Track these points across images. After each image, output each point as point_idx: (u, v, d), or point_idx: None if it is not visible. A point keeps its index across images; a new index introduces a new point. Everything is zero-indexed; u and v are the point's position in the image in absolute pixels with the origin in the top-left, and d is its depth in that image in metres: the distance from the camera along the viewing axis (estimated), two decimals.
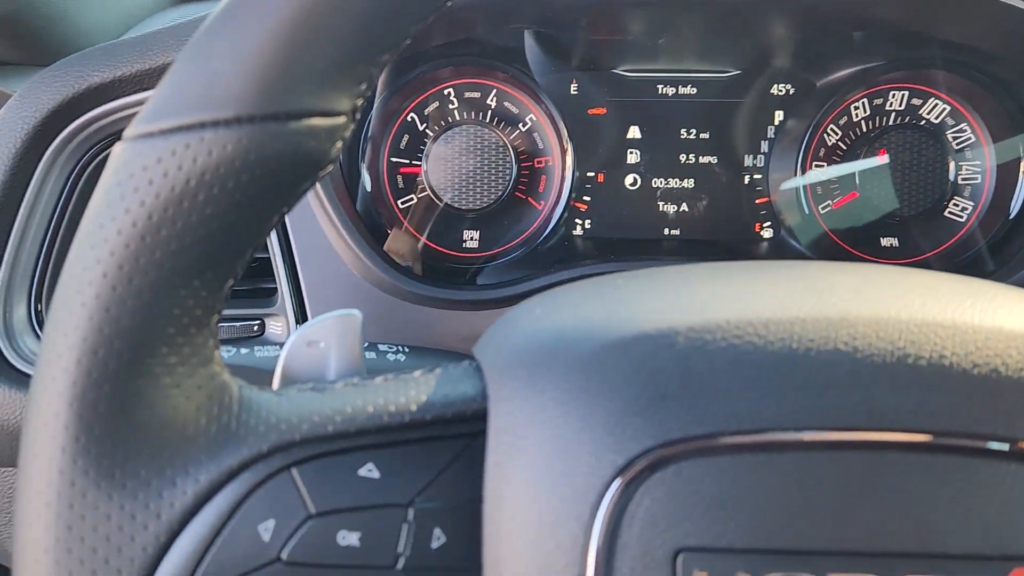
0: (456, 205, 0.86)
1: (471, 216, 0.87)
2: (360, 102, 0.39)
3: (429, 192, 0.86)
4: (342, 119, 0.38)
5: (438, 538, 0.38)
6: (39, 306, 0.77)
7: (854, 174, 0.83)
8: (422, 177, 0.86)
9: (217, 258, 0.37)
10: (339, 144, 0.39)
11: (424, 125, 0.87)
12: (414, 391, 0.40)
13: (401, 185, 0.87)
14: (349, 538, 0.38)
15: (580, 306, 0.41)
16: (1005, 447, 0.34)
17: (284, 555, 0.38)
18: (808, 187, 0.85)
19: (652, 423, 0.35)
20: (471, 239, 0.88)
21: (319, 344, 0.46)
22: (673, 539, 0.35)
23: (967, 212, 0.84)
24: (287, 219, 0.80)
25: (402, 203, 0.87)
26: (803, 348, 0.36)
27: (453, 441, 0.40)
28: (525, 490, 0.36)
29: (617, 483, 0.35)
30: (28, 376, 0.75)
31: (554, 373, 0.37)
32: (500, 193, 0.85)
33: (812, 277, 0.41)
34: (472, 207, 0.85)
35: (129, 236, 0.36)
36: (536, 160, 0.87)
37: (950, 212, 0.84)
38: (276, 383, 0.44)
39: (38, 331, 0.77)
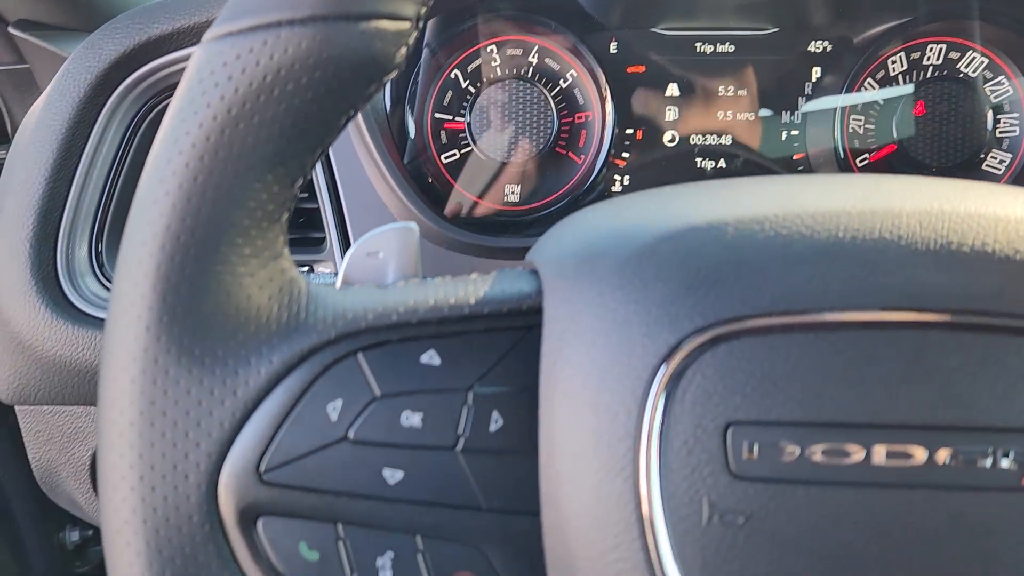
0: (498, 159, 0.88)
1: (513, 170, 0.89)
2: (424, 10, 0.41)
3: (472, 147, 0.88)
4: (407, 24, 0.40)
5: (496, 421, 0.40)
6: (99, 247, 0.80)
7: (891, 128, 0.84)
8: (465, 132, 0.89)
9: (289, 153, 0.39)
10: (403, 50, 0.41)
11: (467, 82, 0.89)
12: (472, 288, 0.43)
13: (444, 140, 0.90)
14: (412, 419, 0.40)
15: (631, 208, 0.43)
16: None
17: (351, 434, 0.40)
18: (846, 141, 0.87)
19: (705, 304, 0.37)
20: (512, 193, 0.90)
21: (378, 254, 0.48)
22: (723, 413, 0.36)
23: (1004, 165, 0.85)
24: (336, 170, 0.83)
25: (446, 158, 0.90)
26: (849, 236, 0.38)
27: (510, 333, 0.42)
28: (580, 371, 0.38)
29: (670, 361, 0.37)
30: (89, 316, 0.78)
31: (608, 264, 0.39)
32: (541, 147, 0.87)
33: (857, 182, 0.42)
34: (514, 161, 0.88)
35: (210, 129, 0.38)
36: (576, 115, 0.89)
37: (988, 165, 0.85)
38: (338, 287, 0.46)
39: (98, 273, 0.80)
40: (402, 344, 0.41)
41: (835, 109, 0.87)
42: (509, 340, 0.42)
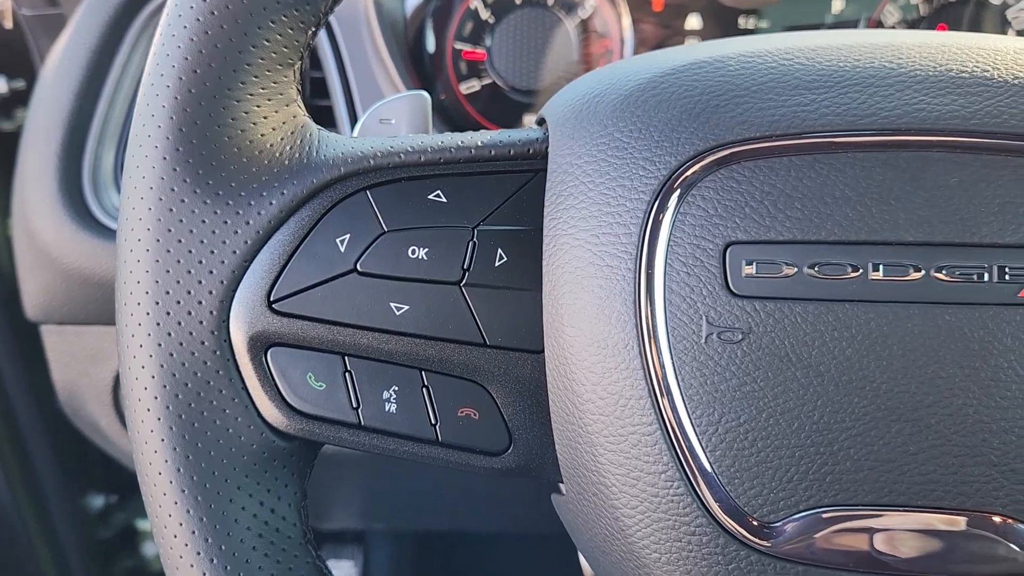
0: (519, 87, 0.88)
1: (533, 99, 0.90)
2: None
3: (492, 76, 0.89)
4: None
5: (500, 258, 0.41)
6: (124, 158, 0.82)
7: None
8: (485, 63, 0.89)
9: None
10: None
11: (488, 13, 0.90)
12: (480, 136, 0.43)
13: (465, 71, 0.90)
14: (418, 253, 0.41)
15: (636, 60, 0.43)
16: None
17: (358, 266, 0.41)
18: None
19: (705, 128, 0.37)
20: (532, 122, 0.90)
21: (391, 121, 0.49)
22: (723, 234, 0.37)
23: None
24: (353, 88, 0.84)
25: (465, 88, 0.90)
26: (850, 65, 0.38)
27: (518, 176, 0.42)
28: (583, 200, 0.39)
29: (670, 184, 0.37)
30: (111, 231, 0.80)
31: (610, 99, 0.40)
32: (562, 75, 0.88)
33: (862, 31, 0.43)
34: (534, 88, 0.88)
35: None
36: (597, 44, 0.90)
37: None
38: None
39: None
40: (410, 182, 0.42)
41: None
42: (516, 182, 0.42)
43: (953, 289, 0.36)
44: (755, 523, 0.36)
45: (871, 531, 0.36)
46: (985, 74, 0.37)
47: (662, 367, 0.37)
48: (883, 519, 0.36)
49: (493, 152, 0.42)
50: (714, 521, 0.36)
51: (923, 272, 0.36)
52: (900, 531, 0.36)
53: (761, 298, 0.36)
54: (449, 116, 0.91)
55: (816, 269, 0.36)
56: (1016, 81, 0.37)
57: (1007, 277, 0.35)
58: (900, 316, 0.36)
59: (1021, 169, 0.36)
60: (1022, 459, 0.35)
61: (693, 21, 0.91)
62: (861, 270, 0.36)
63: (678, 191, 0.37)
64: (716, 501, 0.36)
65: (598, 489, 0.39)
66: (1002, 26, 0.83)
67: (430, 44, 0.90)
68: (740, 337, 0.36)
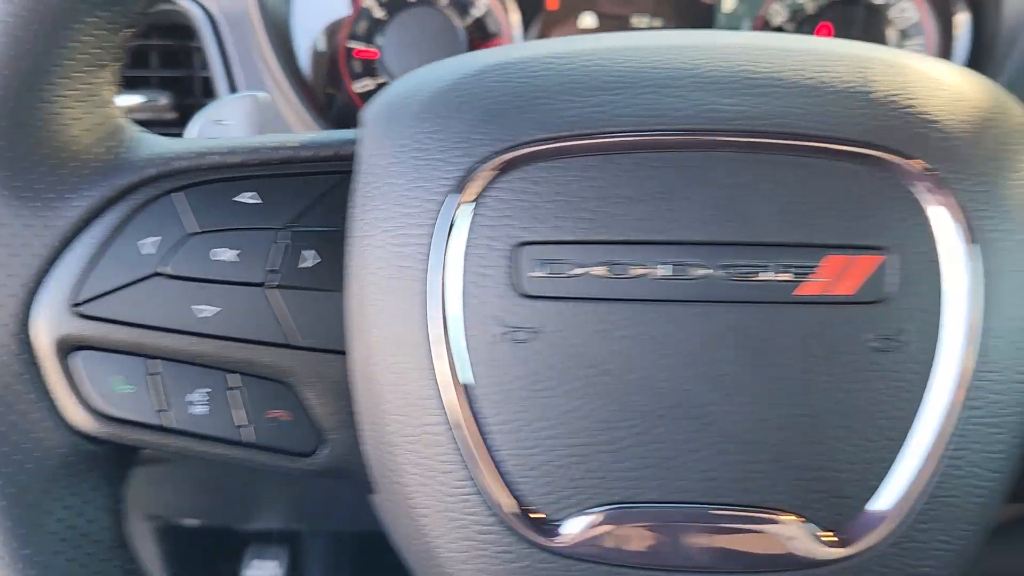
0: None
1: None
2: None
3: (385, 75, 0.89)
4: None
5: (309, 259, 0.41)
6: None
7: None
8: (378, 62, 0.89)
9: None
10: None
11: (382, 11, 0.89)
12: (294, 137, 0.43)
13: (359, 70, 0.90)
14: (225, 255, 0.41)
15: (450, 63, 0.43)
16: (825, 144, 0.37)
17: (164, 269, 0.40)
18: None
19: (502, 129, 0.38)
20: None
21: (225, 122, 0.49)
22: (516, 234, 0.37)
23: None
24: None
25: (359, 87, 0.90)
26: (648, 67, 0.39)
27: (330, 176, 0.42)
28: (382, 202, 0.39)
29: (463, 186, 0.37)
30: None
31: (414, 102, 0.40)
32: None
33: (666, 32, 0.43)
34: None
35: None
36: (488, 44, 0.90)
37: None
38: None
39: None
40: (219, 184, 0.42)
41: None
42: (328, 182, 0.42)
43: (734, 288, 0.36)
44: (542, 522, 0.37)
45: (655, 528, 0.36)
46: (774, 75, 0.38)
47: (453, 367, 0.37)
48: (666, 516, 0.36)
49: (307, 153, 0.42)
50: (503, 520, 0.37)
51: (706, 271, 0.36)
52: (683, 527, 0.36)
53: (551, 298, 0.37)
54: (343, 115, 0.90)
55: (604, 269, 0.37)
56: (803, 82, 0.38)
57: (785, 275, 0.36)
58: (683, 315, 0.36)
59: (802, 169, 0.36)
60: (801, 454, 0.36)
61: (588, 20, 0.91)
62: (647, 269, 0.36)
63: (473, 192, 0.37)
64: (505, 500, 0.37)
65: (398, 488, 0.39)
66: (885, 27, 0.84)
67: (321, 43, 0.90)
68: (530, 337, 0.37)
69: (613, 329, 0.36)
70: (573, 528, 0.37)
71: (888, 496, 0.36)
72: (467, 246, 0.37)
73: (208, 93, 0.85)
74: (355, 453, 0.42)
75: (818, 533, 0.36)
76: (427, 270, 0.37)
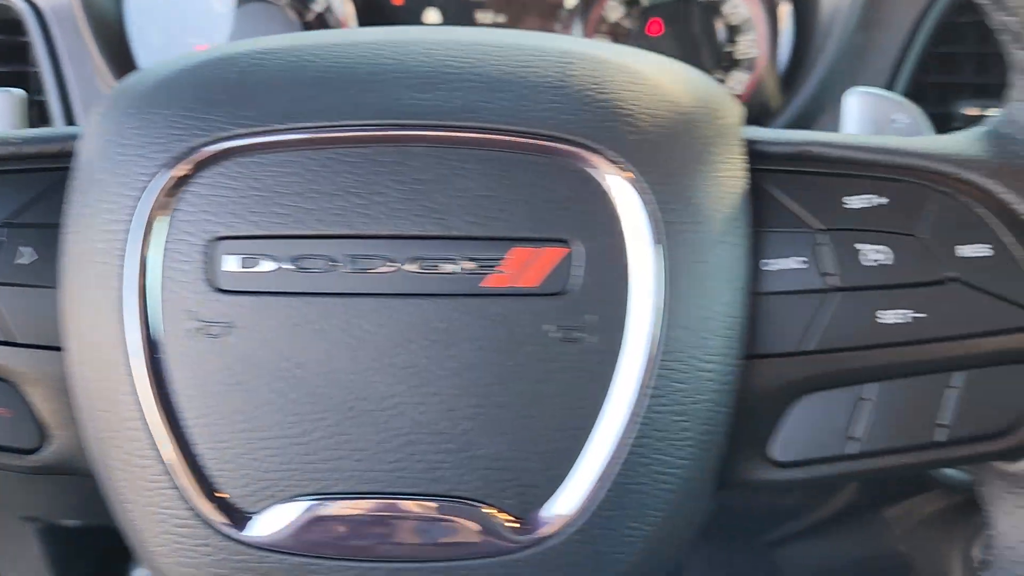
0: None
1: None
2: None
3: None
4: None
5: (27, 256, 0.41)
6: None
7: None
8: None
9: None
10: None
11: (222, 5, 0.89)
12: (19, 132, 0.43)
13: None
14: None
15: (175, 58, 0.43)
16: (516, 139, 0.37)
17: None
18: None
19: (203, 124, 0.38)
20: None
21: None
22: (212, 229, 0.37)
23: (743, 85, 0.87)
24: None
25: None
26: (352, 63, 0.39)
27: (52, 172, 0.42)
28: (91, 196, 0.39)
29: (164, 175, 0.37)
30: None
31: (132, 94, 0.40)
32: None
33: (391, 29, 0.43)
34: None
35: None
36: None
37: (728, 87, 0.88)
38: None
39: None
40: None
41: (582, 31, 0.88)
42: (52, 178, 0.42)
43: (423, 281, 0.37)
44: (238, 514, 0.37)
45: (346, 520, 0.37)
46: (473, 70, 0.38)
47: (149, 363, 0.37)
48: (358, 507, 0.37)
49: (32, 149, 0.42)
50: (199, 514, 0.37)
51: (395, 265, 0.37)
52: (373, 519, 0.37)
53: (244, 293, 0.37)
54: None
55: (297, 264, 0.37)
56: (501, 76, 0.38)
57: (473, 268, 0.37)
58: (373, 308, 0.37)
59: (493, 163, 0.37)
60: (489, 445, 0.36)
61: (432, 15, 0.91)
62: (338, 264, 0.37)
63: (171, 187, 0.37)
64: (202, 493, 0.37)
65: (108, 483, 0.39)
66: (715, 22, 0.86)
67: (158, 38, 0.89)
68: (224, 332, 0.37)
69: (305, 323, 0.37)
70: (267, 521, 0.37)
71: (576, 485, 0.37)
72: (167, 241, 0.37)
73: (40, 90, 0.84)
74: (79, 449, 0.41)
75: (506, 522, 0.37)
76: (124, 266, 0.37)
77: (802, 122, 0.82)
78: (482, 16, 0.91)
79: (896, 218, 0.39)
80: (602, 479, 0.37)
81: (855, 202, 0.39)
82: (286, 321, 0.37)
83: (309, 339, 0.37)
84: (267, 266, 0.37)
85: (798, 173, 0.40)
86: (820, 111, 0.81)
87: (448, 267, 0.37)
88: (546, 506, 0.37)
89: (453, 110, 0.37)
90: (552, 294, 0.37)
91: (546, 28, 0.90)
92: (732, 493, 0.41)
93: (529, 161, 0.37)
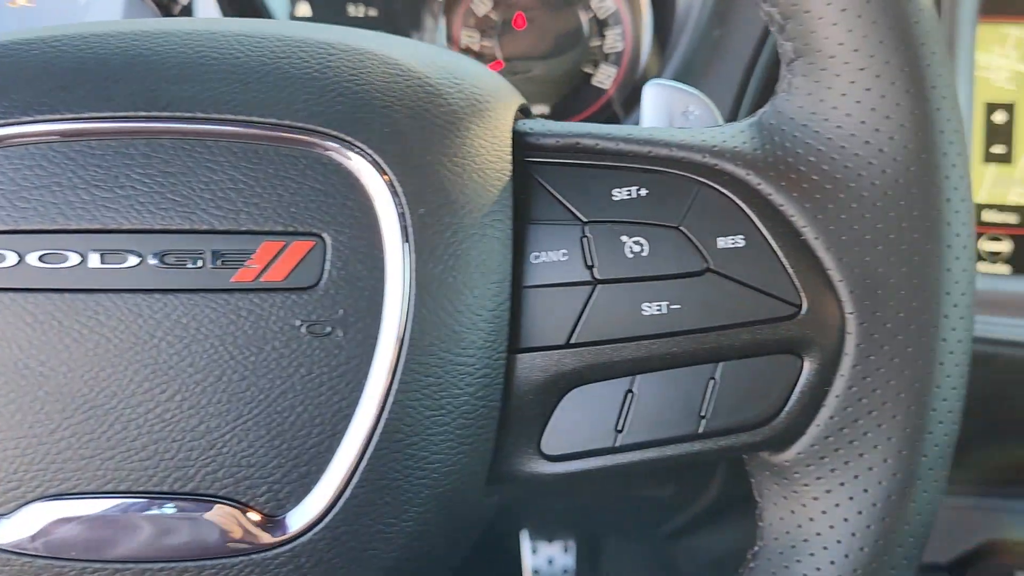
0: None
1: None
2: None
3: None
4: None
5: None
6: None
7: (494, 45, 0.86)
8: None
9: None
10: None
11: None
12: None
13: None
14: None
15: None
16: (267, 131, 0.37)
17: None
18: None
19: None
20: None
21: None
22: None
23: (610, 79, 0.88)
24: None
25: None
26: (107, 54, 0.38)
27: None
28: None
29: None
30: None
31: None
32: None
33: (159, 21, 0.42)
34: None
35: None
36: None
37: (596, 80, 0.88)
38: None
39: None
40: None
41: (449, 24, 0.88)
42: None
43: (169, 276, 0.36)
44: None
45: (93, 520, 0.36)
46: (228, 61, 0.38)
47: None
48: (104, 507, 0.36)
49: None
50: None
51: (140, 259, 0.36)
52: (119, 519, 0.36)
53: None
54: None
55: (40, 259, 0.36)
56: (255, 67, 0.38)
57: (221, 263, 0.36)
58: (119, 305, 0.36)
59: (245, 155, 0.36)
60: (241, 443, 0.36)
61: (303, 8, 0.90)
62: (82, 258, 0.36)
63: None
64: None
65: None
66: (580, 16, 0.86)
67: None
68: None
69: (49, 320, 0.36)
70: (15, 522, 0.36)
71: (328, 482, 0.36)
72: None
73: None
74: None
75: (256, 521, 0.36)
76: None
77: None
78: (353, 9, 0.90)
79: (658, 210, 0.39)
80: (353, 476, 0.36)
81: (621, 194, 0.39)
82: (29, 318, 0.36)
83: (54, 336, 0.36)
84: (10, 261, 0.36)
85: (569, 165, 0.40)
86: None
87: (195, 262, 0.36)
88: (299, 505, 0.36)
89: (205, 102, 0.37)
90: (303, 288, 0.36)
91: (416, 22, 0.90)
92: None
93: (282, 154, 0.37)
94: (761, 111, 0.41)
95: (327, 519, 0.36)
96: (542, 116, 0.89)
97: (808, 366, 0.38)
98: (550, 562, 1.21)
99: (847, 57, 0.38)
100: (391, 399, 0.36)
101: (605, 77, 0.88)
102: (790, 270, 0.38)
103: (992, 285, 0.76)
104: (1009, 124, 0.78)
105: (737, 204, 0.38)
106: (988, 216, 0.77)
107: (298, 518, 0.36)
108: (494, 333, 0.38)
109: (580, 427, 0.40)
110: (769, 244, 0.38)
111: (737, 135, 0.40)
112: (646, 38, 0.86)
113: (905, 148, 0.37)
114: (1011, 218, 0.77)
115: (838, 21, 0.38)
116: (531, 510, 1.19)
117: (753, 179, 0.39)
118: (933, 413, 0.37)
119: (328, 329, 0.36)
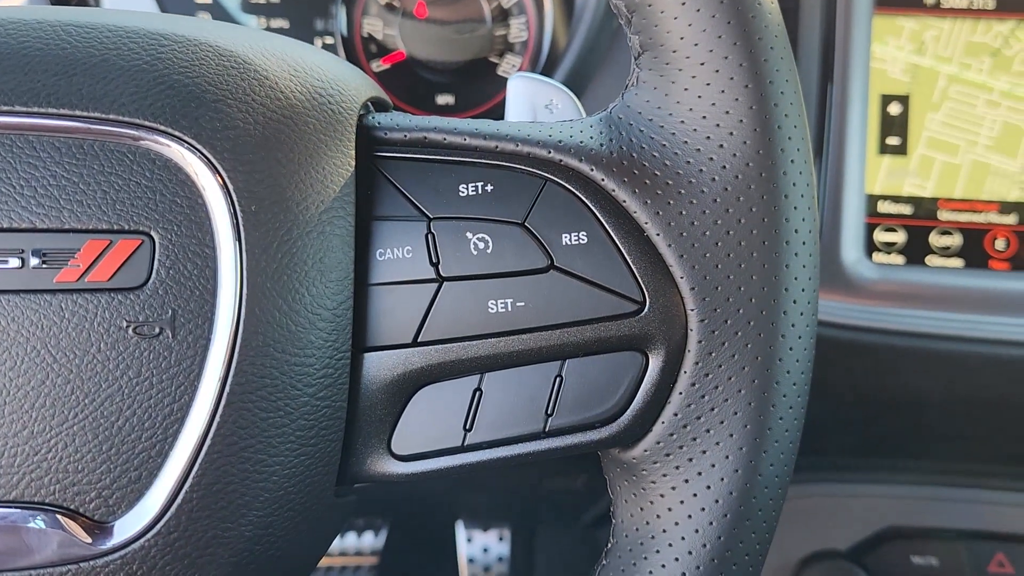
0: None
1: None
2: None
3: None
4: None
5: None
6: None
7: (396, 34, 0.85)
8: None
9: None
10: None
11: None
12: None
13: None
14: None
15: None
16: (93, 125, 0.35)
17: None
18: (360, 47, 0.87)
19: None
20: None
21: None
22: None
23: (515, 68, 0.87)
24: None
25: None
26: None
27: None
28: None
29: None
30: None
31: None
32: None
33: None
34: None
35: None
36: None
37: (502, 70, 0.87)
38: None
39: None
40: None
41: (349, 11, 0.86)
42: None
43: None
44: None
45: None
46: (52, 51, 0.36)
47: None
48: None
49: None
50: None
51: None
52: None
53: None
54: None
55: None
56: (83, 59, 0.36)
57: (43, 262, 0.35)
58: None
59: (70, 150, 0.35)
60: (68, 449, 0.35)
61: None
62: None
63: None
64: None
65: None
66: (483, 5, 0.85)
67: None
68: None
69: None
70: None
71: (161, 487, 0.35)
72: None
73: None
74: None
75: (85, 528, 0.35)
76: None
77: None
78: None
79: (503, 206, 0.38)
80: (186, 481, 0.35)
81: (467, 190, 0.39)
82: None
83: None
84: None
85: (416, 160, 0.40)
86: (580, 92, 0.82)
87: (15, 261, 0.35)
88: (131, 511, 0.35)
89: (26, 94, 0.35)
90: (130, 289, 0.35)
91: (320, 12, 0.88)
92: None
93: (108, 149, 0.35)
94: (612, 105, 0.41)
95: (160, 525, 0.35)
96: (447, 106, 0.88)
97: (652, 363, 0.38)
98: (485, 550, 1.21)
99: (688, 51, 0.37)
100: (224, 402, 0.35)
101: (510, 67, 0.87)
102: (633, 267, 0.37)
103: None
104: (904, 116, 0.78)
105: (581, 200, 0.38)
106: (883, 207, 0.78)
107: (130, 524, 0.35)
108: (335, 332, 0.37)
109: (429, 426, 0.39)
110: (612, 241, 0.38)
111: (586, 130, 0.40)
112: (548, 27, 0.85)
113: (743, 144, 0.37)
114: (905, 209, 0.78)
115: (679, 15, 0.37)
116: (465, 501, 1.19)
117: (597, 175, 0.38)
118: (773, 409, 0.37)
119: (157, 330, 0.35)
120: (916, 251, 0.78)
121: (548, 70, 0.85)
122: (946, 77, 0.78)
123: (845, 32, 0.78)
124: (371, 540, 1.23)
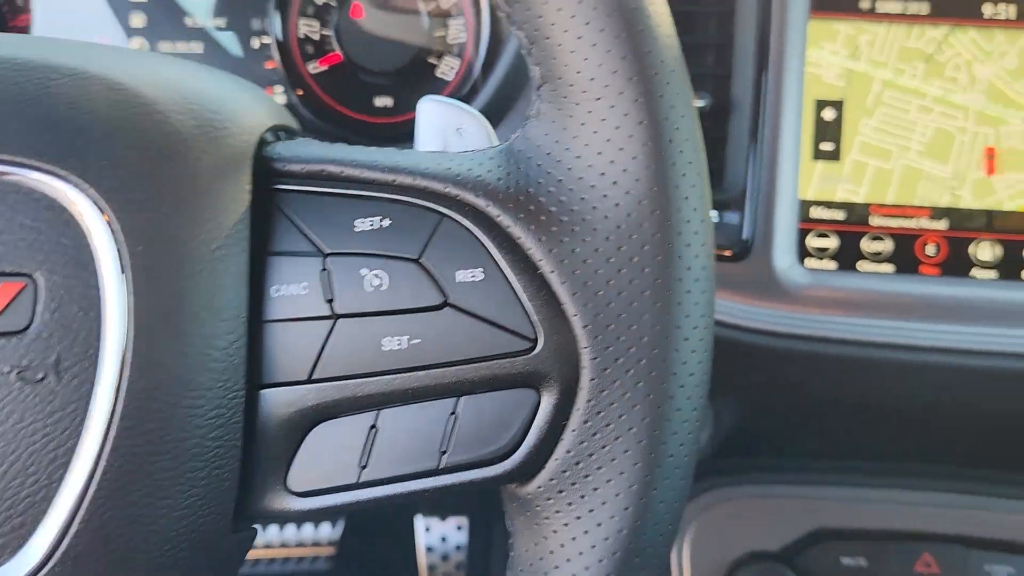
0: None
1: None
2: None
3: None
4: None
5: None
6: None
7: (332, 35, 0.84)
8: None
9: None
10: None
11: None
12: None
13: None
14: None
15: None
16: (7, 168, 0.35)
17: None
18: (297, 48, 0.86)
19: None
20: None
21: None
22: None
23: (454, 70, 0.86)
24: None
25: None
26: None
27: None
28: None
29: None
30: None
31: None
32: None
33: None
34: None
35: None
36: (15, 22, 0.85)
37: (440, 72, 0.87)
38: None
39: None
40: None
41: (285, 13, 0.85)
42: None
43: None
44: None
45: None
46: None
47: None
48: None
49: None
50: None
51: None
52: None
53: None
54: None
55: None
56: None
57: None
58: None
59: None
60: None
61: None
62: None
63: None
64: None
65: None
66: (420, 6, 0.84)
67: None
68: None
69: None
70: None
71: (47, 532, 0.35)
72: None
73: None
74: None
75: None
76: None
77: (501, 103, 0.82)
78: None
79: (398, 242, 0.38)
80: (71, 526, 0.35)
81: (364, 225, 0.38)
82: None
83: None
84: None
85: (314, 194, 0.39)
86: (515, 95, 0.82)
87: None
88: (14, 557, 0.35)
89: None
90: (12, 333, 0.34)
91: (258, 12, 0.87)
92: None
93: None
94: (514, 136, 0.40)
95: (44, 570, 0.35)
96: (385, 108, 0.87)
97: (545, 400, 0.38)
98: (443, 540, 1.21)
99: (584, 86, 0.37)
100: (109, 446, 0.35)
101: (448, 69, 0.87)
102: (527, 304, 0.37)
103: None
104: (838, 121, 0.79)
105: (476, 237, 0.38)
106: (816, 212, 0.79)
107: (13, 570, 0.35)
108: (227, 372, 0.37)
109: (325, 463, 0.39)
110: (506, 278, 0.37)
111: (486, 162, 0.39)
112: (486, 29, 0.85)
113: (637, 181, 0.37)
114: (838, 214, 0.79)
115: (576, 49, 0.37)
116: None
117: (493, 210, 0.38)
118: (664, 447, 0.37)
119: (40, 375, 0.34)
120: (848, 257, 0.78)
121: (486, 72, 0.85)
122: (880, 82, 0.79)
123: (780, 36, 0.78)
124: (328, 531, 1.23)
